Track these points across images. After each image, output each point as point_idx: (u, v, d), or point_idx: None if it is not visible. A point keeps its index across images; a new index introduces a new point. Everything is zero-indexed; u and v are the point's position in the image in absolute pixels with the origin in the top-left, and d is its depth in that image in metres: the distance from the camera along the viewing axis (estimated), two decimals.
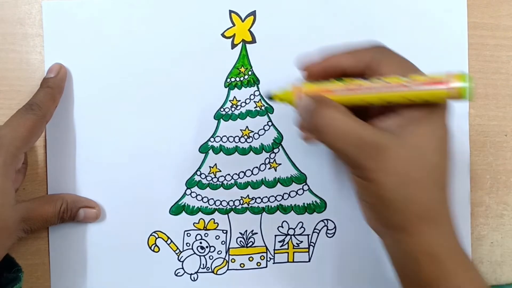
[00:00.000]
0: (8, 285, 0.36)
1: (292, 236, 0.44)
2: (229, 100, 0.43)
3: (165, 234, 0.43)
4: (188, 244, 0.44)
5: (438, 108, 0.32)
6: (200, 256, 0.44)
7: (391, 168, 0.31)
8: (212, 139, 0.43)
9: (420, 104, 0.32)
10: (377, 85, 0.32)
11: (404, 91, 0.31)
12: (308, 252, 0.44)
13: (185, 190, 0.43)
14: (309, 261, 0.44)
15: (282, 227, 0.44)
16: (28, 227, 0.39)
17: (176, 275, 0.44)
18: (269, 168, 0.44)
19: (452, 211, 0.32)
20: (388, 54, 0.34)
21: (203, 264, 0.44)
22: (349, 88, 0.33)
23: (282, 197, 0.44)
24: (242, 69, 0.43)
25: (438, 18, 0.44)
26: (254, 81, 0.43)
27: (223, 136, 0.44)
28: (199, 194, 0.44)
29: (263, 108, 0.44)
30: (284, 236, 0.44)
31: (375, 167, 0.31)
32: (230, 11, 0.43)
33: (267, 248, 0.44)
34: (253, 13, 0.43)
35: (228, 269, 0.44)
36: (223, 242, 0.44)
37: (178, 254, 0.44)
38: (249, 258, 0.44)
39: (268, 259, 0.44)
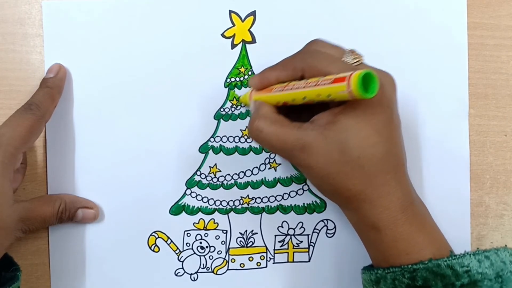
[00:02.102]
0: (6, 284, 0.36)
1: (292, 236, 0.44)
2: (229, 100, 0.43)
3: (165, 234, 0.43)
4: (188, 244, 0.44)
5: (363, 103, 0.33)
6: (200, 256, 0.44)
7: (314, 162, 0.34)
8: (212, 139, 0.43)
9: (348, 101, 0.33)
10: (297, 84, 0.34)
11: (313, 89, 0.33)
12: (308, 252, 0.44)
13: (185, 190, 0.43)
14: (309, 261, 0.44)
15: (282, 227, 0.44)
16: (27, 227, 0.39)
17: (176, 275, 0.44)
18: (269, 168, 0.44)
19: (394, 186, 0.34)
20: (317, 52, 0.36)
21: (203, 264, 0.44)
22: (282, 87, 0.36)
23: (282, 197, 0.44)
24: (242, 69, 0.43)
25: (438, 18, 0.44)
26: None
27: (223, 136, 0.43)
28: (199, 194, 0.43)
29: None
30: (284, 236, 0.44)
31: (302, 163, 0.34)
32: (230, 11, 0.43)
33: (267, 248, 0.44)
34: (253, 13, 0.43)
35: (228, 269, 0.44)
36: (223, 242, 0.44)
37: (178, 254, 0.44)
38: (249, 258, 0.44)
39: (268, 259, 0.44)
